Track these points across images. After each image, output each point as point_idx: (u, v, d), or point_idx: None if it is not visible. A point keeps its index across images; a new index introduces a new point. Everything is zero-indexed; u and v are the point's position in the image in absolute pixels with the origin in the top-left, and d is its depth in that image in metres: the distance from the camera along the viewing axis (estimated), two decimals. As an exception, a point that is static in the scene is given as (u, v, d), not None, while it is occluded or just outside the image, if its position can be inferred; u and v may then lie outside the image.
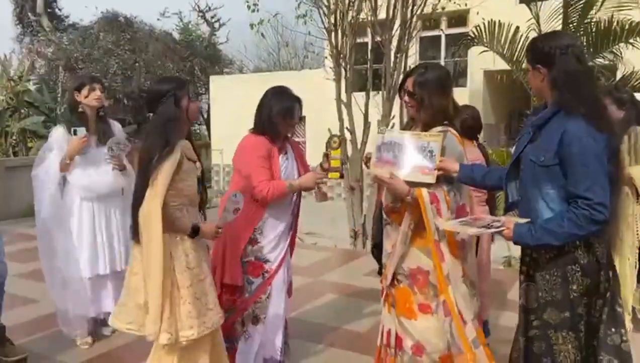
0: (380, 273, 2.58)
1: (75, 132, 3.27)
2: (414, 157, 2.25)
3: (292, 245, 2.95)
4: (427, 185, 2.24)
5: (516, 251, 5.01)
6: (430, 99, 2.31)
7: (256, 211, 2.66)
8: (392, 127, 6.27)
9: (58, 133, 3.37)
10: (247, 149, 2.68)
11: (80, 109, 3.38)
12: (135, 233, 2.26)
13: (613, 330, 1.97)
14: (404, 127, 2.61)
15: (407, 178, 2.26)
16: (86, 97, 3.36)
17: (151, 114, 2.30)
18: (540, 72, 2.01)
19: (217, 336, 2.44)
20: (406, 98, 2.38)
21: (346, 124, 6.86)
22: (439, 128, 2.32)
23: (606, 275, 1.98)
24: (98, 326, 3.67)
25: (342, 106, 6.89)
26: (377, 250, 2.62)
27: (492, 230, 2.08)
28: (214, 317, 2.32)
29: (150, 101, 2.31)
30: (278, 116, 2.67)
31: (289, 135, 2.88)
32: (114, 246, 3.49)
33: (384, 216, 2.45)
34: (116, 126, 3.60)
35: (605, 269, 1.97)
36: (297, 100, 2.75)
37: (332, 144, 2.74)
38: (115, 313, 2.37)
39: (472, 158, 3.36)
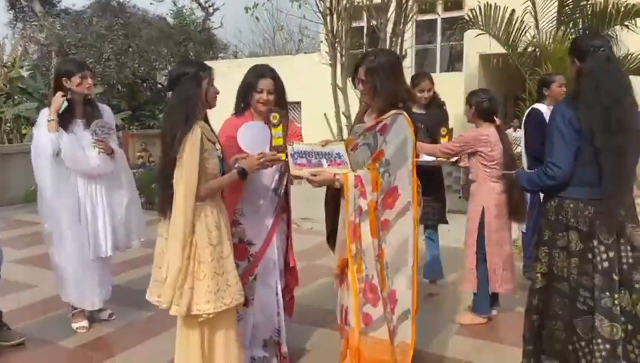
0: None
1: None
2: (325, 159, 2.44)
3: (289, 229, 2.94)
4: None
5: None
6: (382, 85, 2.41)
7: (233, 191, 2.65)
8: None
9: (46, 113, 3.33)
10: (219, 133, 2.71)
11: (68, 96, 3.33)
12: (160, 209, 2.36)
13: (607, 294, 2.30)
14: (360, 113, 2.63)
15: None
16: (78, 85, 3.33)
17: (170, 93, 2.36)
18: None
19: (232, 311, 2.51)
20: (360, 86, 2.47)
21: (342, 109, 6.85)
22: (393, 111, 2.40)
23: (584, 241, 2.35)
24: (95, 311, 3.70)
25: (338, 91, 6.86)
26: (333, 237, 2.65)
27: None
28: (234, 294, 2.37)
29: (172, 79, 2.36)
30: (241, 90, 2.75)
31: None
32: (98, 231, 3.44)
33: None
34: (105, 110, 3.56)
35: (580, 234, 2.35)
36: (262, 74, 2.72)
37: (272, 120, 2.53)
38: (149, 287, 2.46)
39: (492, 139, 3.45)
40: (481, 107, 3.50)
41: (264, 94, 2.70)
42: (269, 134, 2.52)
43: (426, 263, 4.19)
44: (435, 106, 4.11)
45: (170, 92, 2.37)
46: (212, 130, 2.48)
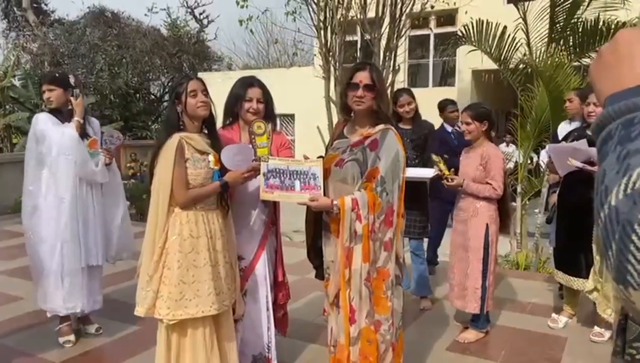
0: (317, 276, 2.68)
1: (73, 93, 3.33)
2: (299, 180, 2.39)
3: (278, 242, 2.92)
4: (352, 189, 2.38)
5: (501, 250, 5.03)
6: (385, 90, 2.52)
7: None
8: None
9: (41, 118, 3.34)
10: None
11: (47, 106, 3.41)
12: None
13: None
14: (339, 129, 2.61)
15: (296, 199, 2.39)
16: (43, 101, 3.39)
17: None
18: None
19: (224, 325, 2.54)
20: (360, 92, 2.38)
21: (335, 121, 6.85)
22: (381, 126, 2.40)
23: None
24: (82, 325, 3.64)
25: (331, 104, 6.88)
26: (313, 252, 2.66)
27: (594, 168, 2.96)
28: (202, 306, 2.36)
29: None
30: (228, 103, 2.77)
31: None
32: (89, 239, 3.42)
33: (324, 219, 2.48)
34: (94, 123, 3.55)
35: None
36: (251, 83, 2.74)
37: (256, 130, 2.50)
38: None
39: (493, 152, 3.47)
40: (492, 123, 3.52)
41: (254, 103, 2.70)
42: (251, 151, 2.50)
43: (414, 279, 4.16)
44: (420, 120, 4.16)
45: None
46: (217, 141, 2.52)
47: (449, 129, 4.87)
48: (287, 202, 2.47)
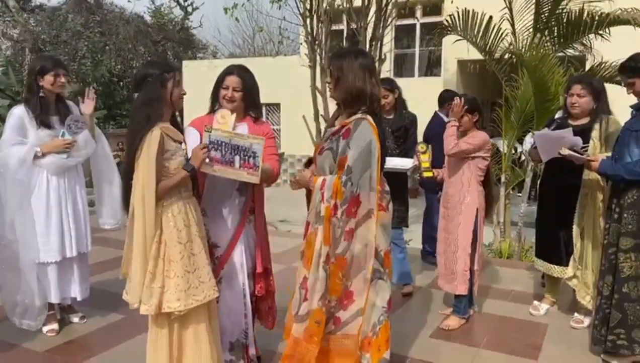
0: None
1: (63, 135, 3.29)
2: (239, 156, 2.38)
3: (258, 232, 2.83)
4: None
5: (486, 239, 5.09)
6: (345, 76, 2.38)
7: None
8: None
9: (17, 112, 3.27)
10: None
11: (41, 94, 3.30)
12: (125, 207, 2.38)
13: None
14: (332, 118, 2.62)
15: (233, 176, 2.40)
16: (52, 84, 3.30)
17: (136, 95, 2.36)
18: None
19: (213, 310, 2.52)
20: (328, 79, 2.43)
21: (321, 111, 6.85)
22: (358, 115, 2.38)
23: None
24: (66, 314, 3.62)
25: (317, 93, 6.86)
26: None
27: (584, 157, 3.08)
28: (207, 290, 2.38)
29: (137, 81, 2.36)
30: (213, 89, 2.75)
31: (253, 115, 2.81)
32: (80, 227, 3.45)
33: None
34: (74, 108, 3.54)
35: None
36: (230, 71, 2.72)
37: (219, 120, 2.48)
38: (126, 287, 2.43)
39: (481, 134, 3.52)
40: (481, 114, 3.56)
41: (229, 91, 2.69)
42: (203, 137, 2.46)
43: (395, 268, 4.19)
44: (401, 111, 4.17)
45: (136, 93, 2.36)
46: (181, 130, 2.48)
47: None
48: (228, 177, 2.46)
